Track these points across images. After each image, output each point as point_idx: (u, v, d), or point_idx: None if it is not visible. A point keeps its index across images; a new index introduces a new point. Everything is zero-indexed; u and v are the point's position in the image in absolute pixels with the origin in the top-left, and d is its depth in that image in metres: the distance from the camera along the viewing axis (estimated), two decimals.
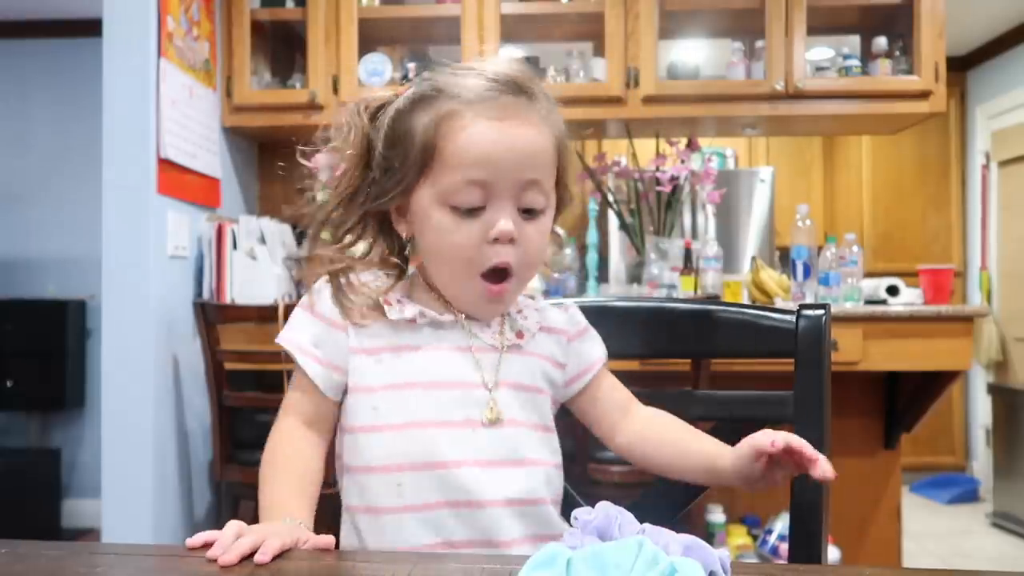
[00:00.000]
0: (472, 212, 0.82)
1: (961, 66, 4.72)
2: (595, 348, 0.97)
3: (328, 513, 0.89)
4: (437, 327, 0.87)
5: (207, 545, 0.69)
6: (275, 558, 0.68)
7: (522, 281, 0.88)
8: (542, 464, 0.88)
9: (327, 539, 0.75)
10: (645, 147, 3.10)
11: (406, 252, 0.92)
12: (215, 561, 0.66)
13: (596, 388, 0.96)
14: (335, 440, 0.90)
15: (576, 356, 0.95)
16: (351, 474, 0.87)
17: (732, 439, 1.03)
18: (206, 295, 2.66)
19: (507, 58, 0.89)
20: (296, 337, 0.88)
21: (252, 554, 0.67)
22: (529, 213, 0.85)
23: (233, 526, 0.70)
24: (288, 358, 0.89)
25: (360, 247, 0.89)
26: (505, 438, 0.85)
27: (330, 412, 0.89)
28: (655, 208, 2.94)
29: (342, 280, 0.86)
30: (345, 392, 0.88)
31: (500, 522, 0.83)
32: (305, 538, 0.74)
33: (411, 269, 0.93)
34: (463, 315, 0.88)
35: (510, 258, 0.83)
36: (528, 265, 0.86)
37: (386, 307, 0.87)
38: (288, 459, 0.86)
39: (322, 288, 0.88)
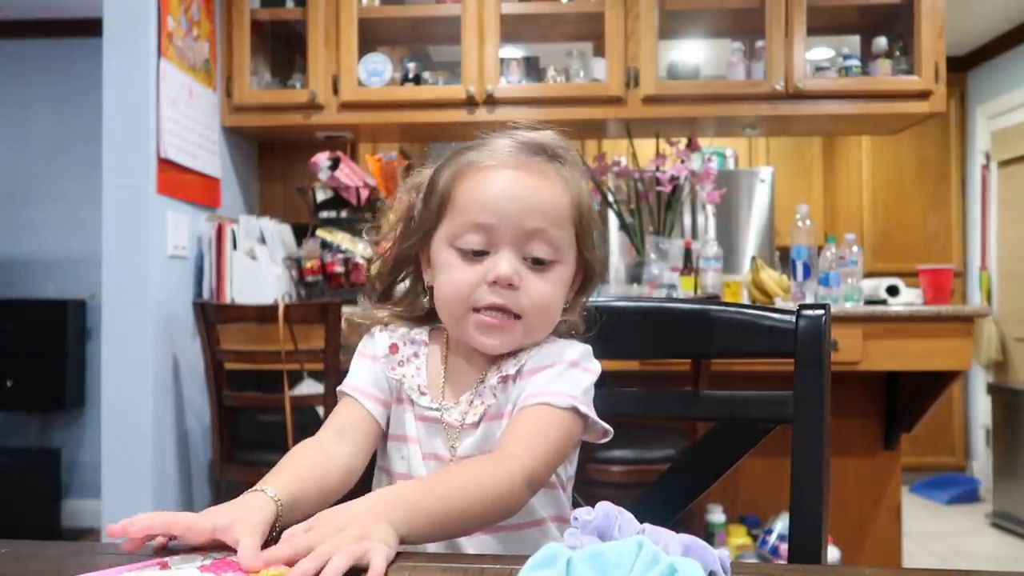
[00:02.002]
0: (477, 256, 0.85)
1: (961, 66, 4.72)
2: (537, 385, 0.84)
3: None
4: (415, 399, 0.89)
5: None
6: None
7: (529, 328, 0.86)
8: (523, 527, 0.86)
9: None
10: (645, 147, 3.10)
11: (425, 302, 0.94)
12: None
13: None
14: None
15: (518, 397, 0.85)
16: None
17: (732, 439, 1.03)
18: (206, 295, 2.66)
19: (552, 132, 0.91)
20: (357, 383, 0.91)
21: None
22: (537, 263, 0.85)
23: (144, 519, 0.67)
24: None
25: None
26: None
27: (375, 431, 0.91)
28: (655, 208, 2.94)
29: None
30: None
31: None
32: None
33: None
34: (443, 400, 0.88)
35: (508, 301, 0.84)
36: (532, 311, 0.85)
37: (386, 354, 0.91)
38: (293, 452, 0.87)
39: (374, 332, 0.93)
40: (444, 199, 0.87)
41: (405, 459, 0.89)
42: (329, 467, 0.84)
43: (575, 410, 0.83)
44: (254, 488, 0.76)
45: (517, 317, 0.85)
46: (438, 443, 0.88)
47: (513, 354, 0.88)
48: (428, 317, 0.95)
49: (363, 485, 0.89)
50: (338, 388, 0.92)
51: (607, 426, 0.87)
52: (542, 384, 0.84)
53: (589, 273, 0.92)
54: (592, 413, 0.85)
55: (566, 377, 0.85)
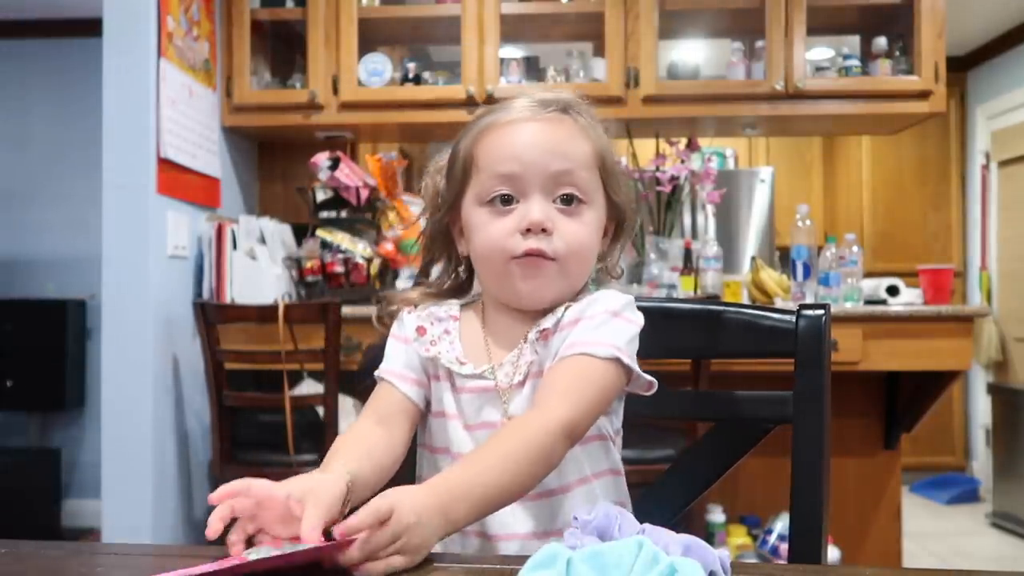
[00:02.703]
0: (506, 207, 0.85)
1: (961, 66, 4.72)
2: (579, 335, 0.83)
3: None
4: (456, 375, 0.88)
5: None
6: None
7: (565, 270, 0.86)
8: (575, 486, 0.86)
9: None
10: (645, 147, 3.10)
11: (460, 272, 0.95)
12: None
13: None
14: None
15: (560, 347, 0.85)
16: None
17: (732, 439, 1.03)
18: (206, 295, 2.66)
19: (565, 89, 0.92)
20: (392, 367, 0.91)
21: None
22: (567, 204, 0.85)
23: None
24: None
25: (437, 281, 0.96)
26: None
27: (413, 413, 0.91)
28: (655, 208, 2.94)
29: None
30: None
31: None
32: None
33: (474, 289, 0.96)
34: (489, 364, 0.88)
35: (543, 245, 0.84)
36: (569, 255, 0.85)
37: (416, 336, 0.90)
38: (343, 439, 0.87)
39: (403, 315, 0.93)
40: (467, 163, 0.88)
41: (445, 435, 0.89)
42: (376, 452, 0.85)
43: (617, 360, 0.81)
44: (322, 468, 0.78)
45: (553, 260, 0.85)
46: (489, 411, 0.87)
47: (551, 309, 0.88)
48: (461, 290, 0.95)
49: (407, 466, 0.90)
50: (375, 373, 0.92)
51: (651, 378, 0.86)
52: (582, 334, 0.82)
53: (620, 218, 0.92)
54: (635, 365, 0.83)
55: (608, 327, 0.83)
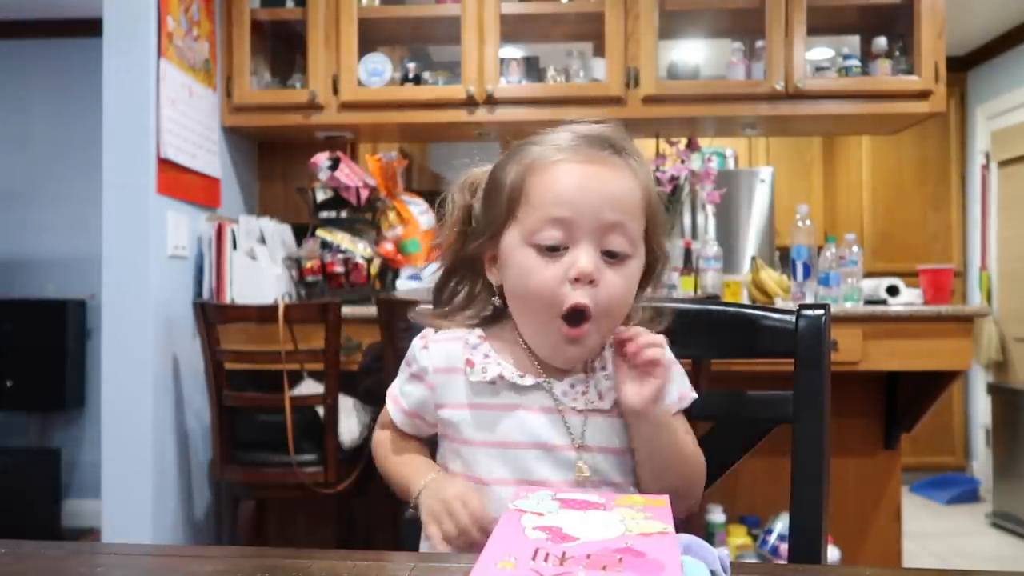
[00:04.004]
0: (554, 252, 0.84)
1: (961, 66, 4.72)
2: (670, 389, 0.90)
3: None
4: (518, 390, 0.88)
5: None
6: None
7: (602, 328, 0.86)
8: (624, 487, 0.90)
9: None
10: (645, 147, 3.09)
11: (495, 301, 0.94)
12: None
13: None
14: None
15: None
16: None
17: (732, 439, 1.04)
18: (206, 295, 2.66)
19: (602, 122, 0.90)
20: (392, 387, 0.97)
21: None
22: (612, 256, 0.84)
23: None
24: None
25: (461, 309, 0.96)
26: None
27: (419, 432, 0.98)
28: None
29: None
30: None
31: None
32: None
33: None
34: (544, 377, 0.88)
35: (588, 300, 0.83)
36: (608, 310, 0.84)
37: (468, 369, 0.89)
38: (400, 449, 0.97)
39: (416, 344, 0.93)
40: (515, 195, 0.86)
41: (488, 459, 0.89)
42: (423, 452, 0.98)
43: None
44: (428, 479, 0.89)
45: (592, 318, 0.84)
46: (550, 432, 0.87)
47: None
48: (495, 318, 0.94)
49: None
50: (388, 401, 0.98)
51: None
52: (674, 391, 0.91)
53: (653, 265, 0.91)
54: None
55: (682, 377, 0.93)
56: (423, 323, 0.94)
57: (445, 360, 0.90)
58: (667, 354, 0.86)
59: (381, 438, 0.99)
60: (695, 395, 0.93)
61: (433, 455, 0.95)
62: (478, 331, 0.92)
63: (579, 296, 0.82)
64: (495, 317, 0.94)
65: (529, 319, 0.87)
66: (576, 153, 0.85)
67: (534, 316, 0.86)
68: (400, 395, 0.95)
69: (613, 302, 0.84)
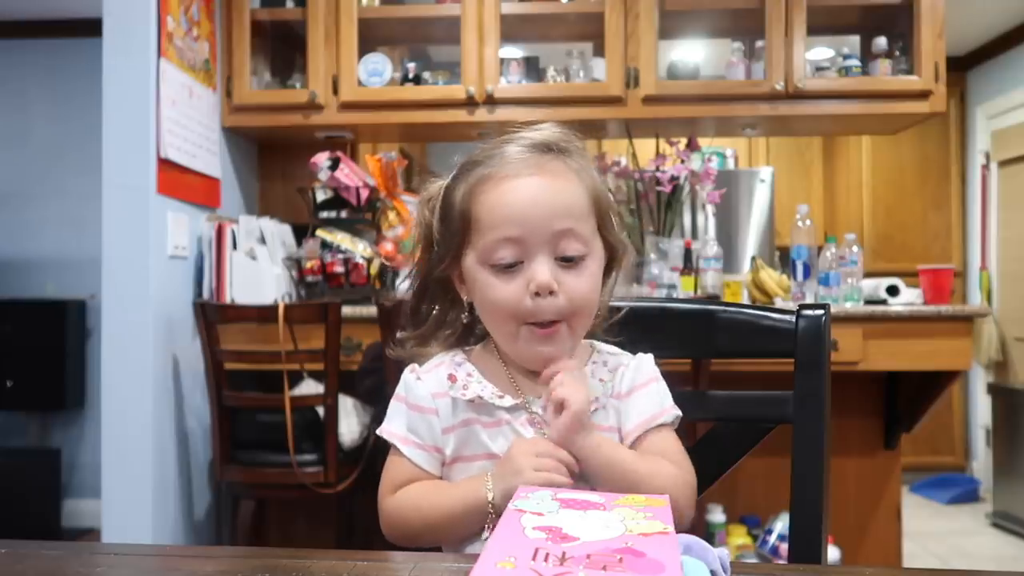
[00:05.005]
0: (511, 268, 0.85)
1: (961, 66, 4.72)
2: (644, 406, 0.91)
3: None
4: (498, 409, 0.89)
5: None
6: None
7: (574, 329, 0.88)
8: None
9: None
10: (645, 147, 3.10)
11: (465, 318, 0.95)
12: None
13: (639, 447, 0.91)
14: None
15: (625, 416, 0.91)
16: None
17: (732, 439, 1.03)
18: (206, 295, 2.66)
19: (551, 126, 0.91)
20: (394, 429, 0.92)
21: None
22: (568, 261, 0.86)
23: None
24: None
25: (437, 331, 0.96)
26: None
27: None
28: (655, 208, 2.94)
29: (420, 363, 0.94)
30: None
31: None
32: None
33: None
34: (523, 398, 0.89)
35: (554, 313, 0.85)
36: (575, 313, 0.87)
37: (450, 384, 0.90)
38: (430, 490, 0.90)
39: (408, 377, 0.93)
40: (465, 218, 0.87)
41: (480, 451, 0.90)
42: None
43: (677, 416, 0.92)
44: (483, 475, 0.86)
45: (560, 321, 0.86)
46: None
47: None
48: (470, 333, 0.95)
49: None
50: (399, 444, 0.91)
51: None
52: (649, 408, 0.91)
53: (612, 254, 0.93)
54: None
55: (661, 393, 0.92)
56: (402, 356, 0.94)
57: (438, 385, 0.91)
58: (651, 371, 0.92)
59: (402, 499, 0.89)
60: (678, 412, 0.91)
61: None
62: (461, 354, 0.94)
63: (544, 310, 0.85)
64: (478, 339, 0.96)
65: (501, 330, 0.89)
66: (520, 166, 0.86)
67: (504, 327, 0.88)
68: (409, 434, 0.91)
69: (576, 304, 0.86)
